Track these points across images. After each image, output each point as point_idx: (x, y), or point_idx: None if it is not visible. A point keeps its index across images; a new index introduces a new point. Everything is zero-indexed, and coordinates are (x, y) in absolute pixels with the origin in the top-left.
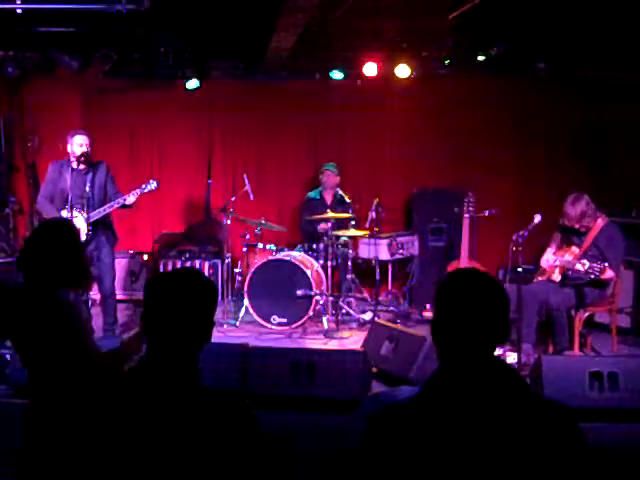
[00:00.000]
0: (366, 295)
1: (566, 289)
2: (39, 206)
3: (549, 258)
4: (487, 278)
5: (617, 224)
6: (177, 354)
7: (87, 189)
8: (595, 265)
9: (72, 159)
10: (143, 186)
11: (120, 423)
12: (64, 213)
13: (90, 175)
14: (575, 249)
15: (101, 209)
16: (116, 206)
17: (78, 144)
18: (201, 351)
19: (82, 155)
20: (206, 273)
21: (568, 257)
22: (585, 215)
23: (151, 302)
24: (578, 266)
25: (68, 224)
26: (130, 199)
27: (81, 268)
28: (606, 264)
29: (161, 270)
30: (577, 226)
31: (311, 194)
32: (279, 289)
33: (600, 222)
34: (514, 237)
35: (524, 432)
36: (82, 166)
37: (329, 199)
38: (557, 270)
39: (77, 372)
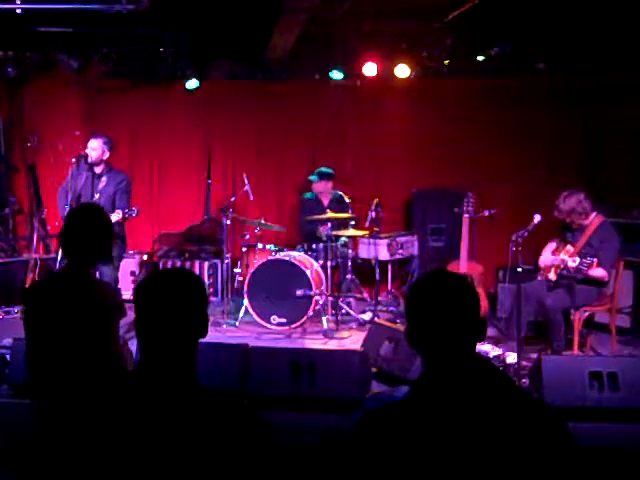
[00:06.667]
0: (366, 295)
1: (560, 289)
2: (58, 195)
3: (547, 257)
4: (454, 278)
5: (612, 224)
6: (174, 353)
7: (96, 194)
8: (584, 260)
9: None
10: (126, 210)
11: (121, 424)
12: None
13: (101, 181)
14: (570, 248)
15: None
16: None
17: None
18: (197, 348)
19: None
20: (206, 273)
21: (563, 256)
22: (574, 212)
23: (143, 303)
24: (570, 263)
25: (97, 208)
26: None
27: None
28: (595, 259)
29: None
30: (567, 220)
31: (307, 195)
32: (279, 289)
33: (595, 221)
34: (514, 237)
35: (510, 430)
36: (97, 169)
37: (325, 200)
38: (553, 269)
39: (97, 362)
